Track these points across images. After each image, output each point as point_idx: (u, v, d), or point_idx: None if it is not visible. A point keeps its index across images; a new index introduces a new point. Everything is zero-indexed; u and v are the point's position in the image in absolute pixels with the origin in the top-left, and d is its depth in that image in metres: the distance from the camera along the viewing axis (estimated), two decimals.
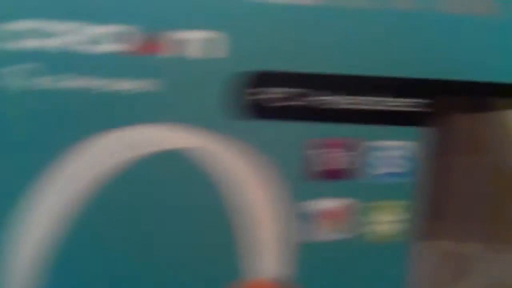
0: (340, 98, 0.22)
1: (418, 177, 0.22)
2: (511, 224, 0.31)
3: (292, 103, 0.22)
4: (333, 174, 0.22)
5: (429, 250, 0.31)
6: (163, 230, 0.22)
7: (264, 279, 0.22)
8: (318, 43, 0.22)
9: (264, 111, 0.22)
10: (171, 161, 0.22)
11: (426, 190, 0.22)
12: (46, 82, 0.21)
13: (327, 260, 0.22)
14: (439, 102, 0.22)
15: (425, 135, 0.22)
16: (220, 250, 0.22)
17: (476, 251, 0.31)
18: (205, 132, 0.22)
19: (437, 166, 0.31)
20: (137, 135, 0.22)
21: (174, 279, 0.22)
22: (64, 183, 0.22)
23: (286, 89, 0.22)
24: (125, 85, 0.21)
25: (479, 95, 0.23)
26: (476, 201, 0.31)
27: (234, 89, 0.22)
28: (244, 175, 0.22)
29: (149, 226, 0.22)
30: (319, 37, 0.22)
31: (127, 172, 0.22)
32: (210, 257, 0.22)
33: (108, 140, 0.22)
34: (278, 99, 0.22)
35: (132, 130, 0.22)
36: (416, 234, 0.22)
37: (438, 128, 0.23)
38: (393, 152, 0.22)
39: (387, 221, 0.22)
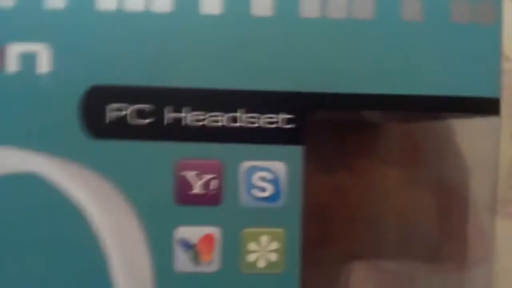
0: (201, 115, 0.20)
1: (296, 199, 0.20)
2: (453, 240, 0.30)
3: (144, 121, 0.20)
4: (198, 199, 0.20)
5: (369, 269, 0.30)
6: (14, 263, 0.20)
7: None
8: (168, 54, 0.20)
9: (111, 130, 0.20)
10: (11, 187, 0.20)
11: (305, 213, 0.21)
12: None
13: None
14: (312, 117, 0.21)
15: (300, 153, 0.21)
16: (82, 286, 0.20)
17: (420, 270, 0.30)
18: (52, 156, 0.20)
19: (369, 179, 0.30)
20: None
21: None
22: None
23: (135, 106, 0.20)
24: None
25: (356, 109, 0.21)
26: (417, 216, 0.30)
27: (75, 106, 0.20)
28: (100, 201, 0.20)
29: None
30: (168, 47, 0.20)
31: None
32: None
33: None
34: (125, 116, 0.20)
35: None
36: (300, 263, 0.21)
37: (316, 145, 0.22)
38: (268, 173, 0.21)
39: (263, 249, 0.21)
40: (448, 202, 0.30)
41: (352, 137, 0.30)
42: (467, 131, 0.30)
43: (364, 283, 0.30)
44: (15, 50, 0.20)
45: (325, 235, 0.30)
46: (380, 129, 0.30)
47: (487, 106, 0.21)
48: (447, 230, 0.30)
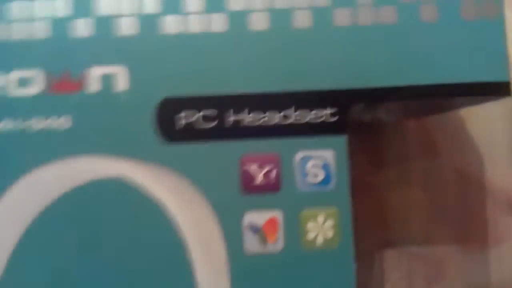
0: (258, 115, 0.24)
1: (344, 181, 0.23)
2: (479, 223, 0.32)
3: (210, 124, 0.23)
4: (261, 188, 0.23)
5: (398, 255, 0.32)
6: (105, 261, 0.23)
7: None
8: (226, 65, 0.24)
9: (182, 135, 0.23)
10: (105, 190, 0.23)
11: (353, 196, 0.24)
12: None
13: (268, 271, 0.23)
14: (354, 110, 0.24)
15: (345, 141, 0.24)
16: (167, 273, 0.23)
17: (448, 253, 0.32)
18: (133, 160, 0.23)
19: (393, 173, 0.32)
20: (68, 167, 0.23)
21: None
22: None
23: (201, 112, 0.23)
24: (44, 123, 0.23)
25: (392, 100, 0.24)
26: (441, 203, 0.32)
27: (151, 116, 0.23)
28: (178, 197, 0.23)
29: (89, 256, 0.23)
30: (226, 60, 0.24)
31: (62, 204, 0.23)
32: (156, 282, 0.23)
33: (41, 175, 0.23)
34: (193, 122, 0.23)
35: (62, 164, 0.23)
36: (353, 239, 0.24)
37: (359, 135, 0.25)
38: (319, 161, 0.23)
39: (320, 228, 0.23)
40: (468, 187, 0.32)
41: (373, 135, 0.32)
42: (479, 120, 0.32)
43: (396, 270, 0.32)
44: (96, 73, 0.23)
45: (355, 227, 0.31)
46: (397, 127, 0.32)
47: (499, 88, 0.25)
48: (469, 214, 0.32)
